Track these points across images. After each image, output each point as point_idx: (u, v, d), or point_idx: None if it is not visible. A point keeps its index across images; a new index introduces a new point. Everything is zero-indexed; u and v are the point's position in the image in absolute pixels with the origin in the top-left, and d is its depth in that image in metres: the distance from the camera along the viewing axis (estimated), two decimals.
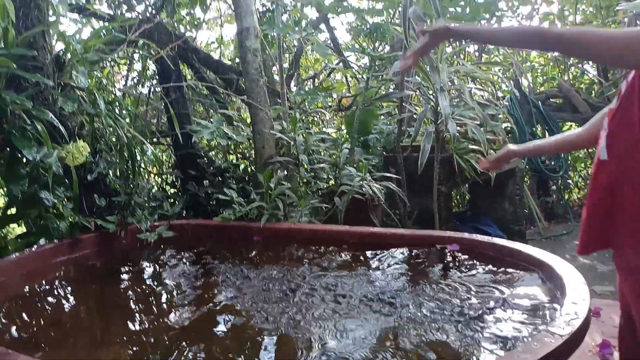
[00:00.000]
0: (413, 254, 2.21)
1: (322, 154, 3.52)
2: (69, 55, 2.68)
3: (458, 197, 5.42)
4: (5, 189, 2.52)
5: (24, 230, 2.68)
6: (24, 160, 2.35)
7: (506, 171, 4.44)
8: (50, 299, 2.06)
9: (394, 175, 3.21)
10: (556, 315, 1.40)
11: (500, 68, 5.39)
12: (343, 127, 4.65)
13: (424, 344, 1.47)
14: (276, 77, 4.19)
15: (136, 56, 4.11)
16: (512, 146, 1.85)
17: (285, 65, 4.85)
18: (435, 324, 1.58)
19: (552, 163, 5.79)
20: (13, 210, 2.58)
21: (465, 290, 1.80)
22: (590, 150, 6.40)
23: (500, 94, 5.72)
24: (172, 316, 1.83)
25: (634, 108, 1.20)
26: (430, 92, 3.06)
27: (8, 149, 2.38)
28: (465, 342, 1.46)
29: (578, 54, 1.30)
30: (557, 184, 6.06)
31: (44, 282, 2.21)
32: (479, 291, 1.78)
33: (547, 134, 5.91)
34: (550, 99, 6.17)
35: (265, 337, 1.61)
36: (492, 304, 1.67)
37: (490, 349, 1.40)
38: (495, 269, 1.94)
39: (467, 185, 4.76)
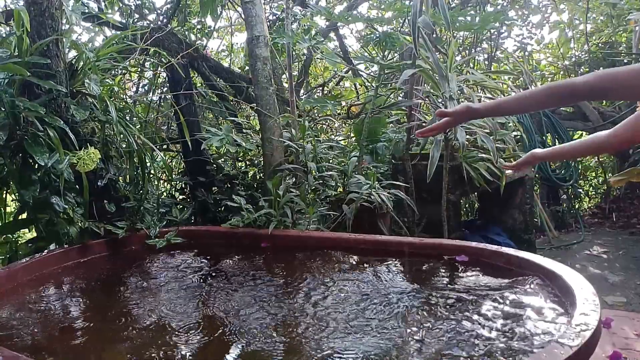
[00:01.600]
0: (421, 262, 2.20)
1: (331, 161, 3.53)
2: (81, 63, 2.72)
3: (467, 205, 5.40)
4: (17, 194, 2.55)
5: (34, 235, 2.71)
6: (36, 166, 2.39)
7: (516, 180, 4.41)
8: (59, 303, 2.07)
9: (402, 184, 3.21)
10: (566, 326, 1.38)
11: (510, 77, 5.37)
12: (352, 135, 4.66)
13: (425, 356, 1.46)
14: (285, 85, 4.21)
15: (147, 64, 4.16)
16: (537, 151, 1.84)
17: (295, 73, 4.88)
18: (439, 335, 1.57)
19: (563, 172, 5.75)
20: (24, 216, 2.62)
21: (472, 300, 1.79)
22: (601, 158, 6.34)
23: None
24: (179, 322, 1.84)
25: None
26: (440, 100, 3.06)
27: (20, 154, 2.42)
28: (473, 353, 1.44)
29: (618, 96, 1.28)
30: (568, 193, 6.01)
31: (53, 286, 2.22)
32: (484, 299, 1.77)
33: (557, 142, 5.88)
34: (561, 108, 6.14)
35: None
36: (499, 314, 1.66)
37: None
38: (503, 278, 1.93)
39: (476, 194, 4.74)
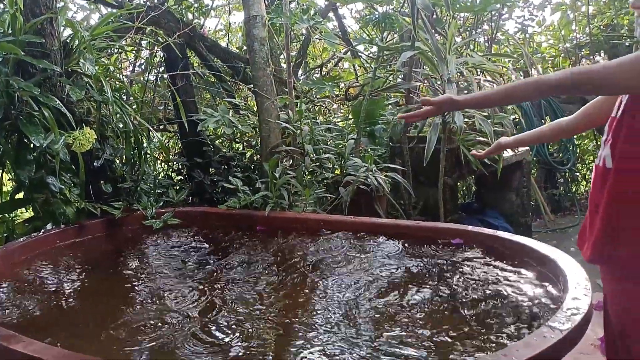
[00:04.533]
0: (416, 245, 2.21)
1: (329, 143, 3.51)
2: (76, 42, 2.68)
3: (464, 188, 5.40)
4: (13, 174, 2.54)
5: (31, 214, 2.71)
6: (32, 145, 2.38)
7: (513, 164, 4.41)
8: (56, 283, 2.09)
9: (399, 167, 3.20)
10: (557, 310, 1.40)
11: (510, 60, 5.33)
12: (350, 117, 4.64)
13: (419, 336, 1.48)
14: (284, 66, 4.17)
15: (144, 43, 4.11)
16: (503, 139, 1.89)
17: (293, 53, 4.83)
18: (430, 313, 1.59)
19: (560, 155, 5.75)
20: (21, 195, 2.62)
21: (465, 283, 1.80)
22: (599, 142, 6.32)
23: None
24: (175, 301, 1.86)
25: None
26: (438, 83, 3.04)
27: (16, 134, 2.41)
28: (464, 335, 1.46)
29: (589, 91, 1.35)
30: (565, 176, 6.02)
31: (50, 266, 2.24)
32: (477, 284, 1.79)
33: None
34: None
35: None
36: (490, 297, 1.67)
37: (490, 344, 1.41)
38: (497, 262, 1.94)
39: (473, 177, 4.74)
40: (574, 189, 6.07)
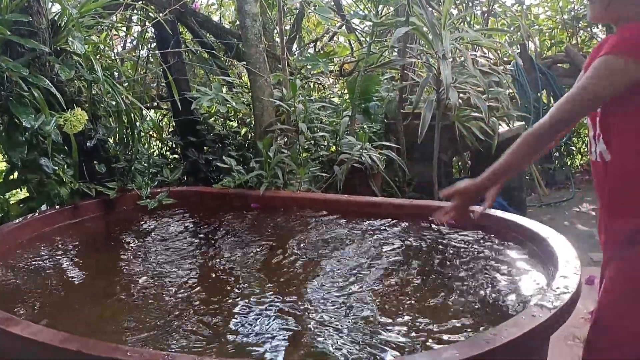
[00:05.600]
0: (410, 222, 2.23)
1: (323, 120, 3.50)
2: (64, 20, 2.63)
3: (460, 163, 5.41)
4: (4, 155, 2.53)
5: (26, 195, 2.71)
6: (23, 127, 2.36)
7: (508, 138, 4.40)
8: (52, 264, 2.10)
9: (393, 145, 3.20)
10: (546, 289, 1.42)
11: (506, 34, 5.25)
12: (345, 92, 4.60)
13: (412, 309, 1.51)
14: (277, 40, 4.11)
15: (134, 18, 4.03)
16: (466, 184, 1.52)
17: (287, 27, 4.75)
18: (419, 291, 1.62)
19: None
20: (15, 176, 2.61)
21: (455, 262, 1.83)
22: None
23: (506, 58, 5.61)
24: (171, 282, 1.88)
25: None
26: (433, 59, 3.01)
27: (6, 115, 2.38)
28: (454, 310, 1.49)
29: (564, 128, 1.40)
30: (560, 150, 6.02)
31: (46, 247, 2.25)
32: (469, 263, 1.81)
33: (552, 100, 5.84)
34: (558, 64, 6.05)
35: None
36: (481, 276, 1.70)
37: (479, 322, 1.43)
38: (488, 241, 1.96)
39: (469, 153, 4.74)
40: (569, 163, 6.08)
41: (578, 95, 1.28)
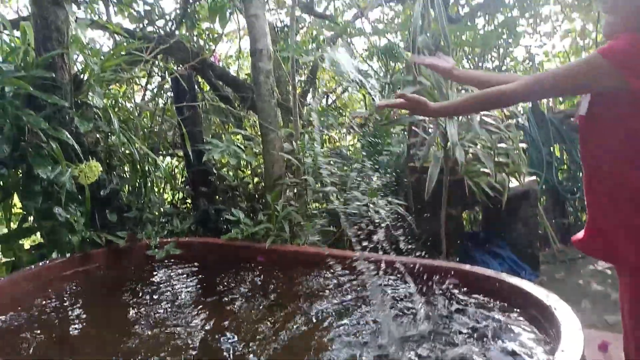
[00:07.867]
0: (412, 280, 2.21)
1: (333, 172, 3.53)
2: (87, 75, 2.76)
3: (472, 216, 5.37)
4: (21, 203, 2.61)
5: (37, 241, 2.77)
6: (39, 177, 2.44)
7: (520, 193, 4.39)
8: (60, 312, 2.13)
9: (401, 202, 3.21)
10: None
11: None
12: (356, 143, 4.66)
13: None
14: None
15: (155, 68, 4.20)
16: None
17: (302, 78, 4.90)
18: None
19: (570, 184, 5.71)
20: (29, 223, 2.68)
21: (456, 327, 1.80)
22: None
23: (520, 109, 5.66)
24: (177, 330, 1.89)
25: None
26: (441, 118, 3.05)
27: (24, 165, 2.47)
28: None
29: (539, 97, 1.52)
30: (574, 205, 5.96)
31: (55, 294, 2.28)
32: (470, 329, 1.78)
33: (564, 154, 5.84)
34: (570, 118, 6.07)
35: None
36: (482, 344, 1.67)
37: None
38: (491, 305, 1.93)
39: (478, 208, 4.72)
40: (583, 218, 6.00)
41: (551, 78, 1.36)
